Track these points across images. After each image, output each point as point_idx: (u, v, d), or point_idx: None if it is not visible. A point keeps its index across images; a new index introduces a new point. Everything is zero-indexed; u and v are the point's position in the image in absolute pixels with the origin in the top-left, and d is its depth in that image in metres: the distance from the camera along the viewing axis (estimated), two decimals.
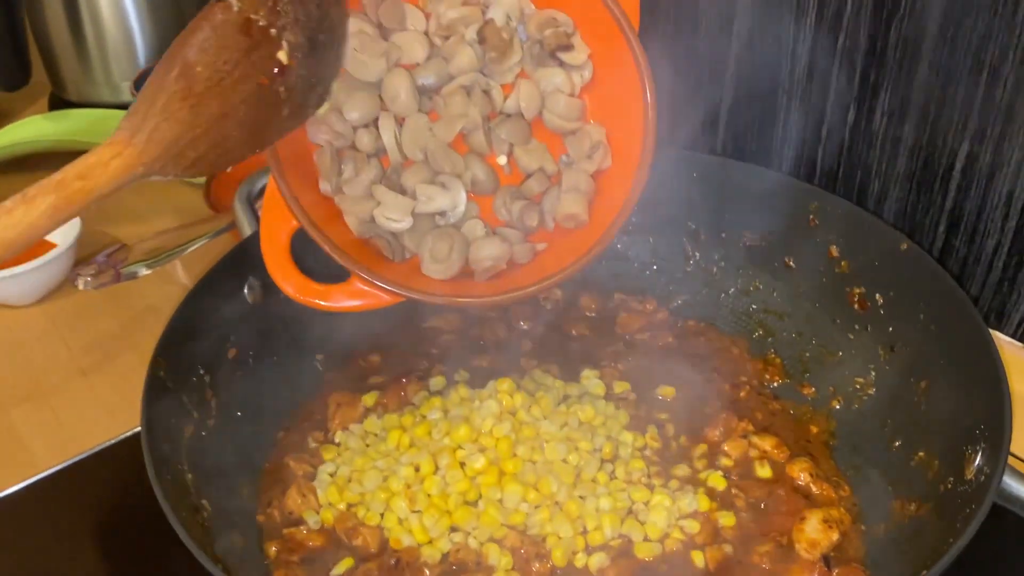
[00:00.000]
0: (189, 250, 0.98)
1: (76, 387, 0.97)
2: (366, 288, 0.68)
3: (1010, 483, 0.62)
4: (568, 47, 0.72)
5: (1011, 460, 0.63)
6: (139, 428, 0.88)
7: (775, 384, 0.89)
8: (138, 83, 1.27)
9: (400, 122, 0.71)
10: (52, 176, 0.51)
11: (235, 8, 0.55)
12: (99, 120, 1.37)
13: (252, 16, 0.55)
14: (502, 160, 0.74)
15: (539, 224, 0.73)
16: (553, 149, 0.74)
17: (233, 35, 0.55)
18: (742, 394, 0.87)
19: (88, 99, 1.44)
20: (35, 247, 1.09)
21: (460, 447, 0.77)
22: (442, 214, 0.72)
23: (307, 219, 0.67)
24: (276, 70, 0.58)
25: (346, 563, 0.71)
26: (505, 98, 0.73)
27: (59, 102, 1.47)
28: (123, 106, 1.38)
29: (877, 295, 0.83)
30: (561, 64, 0.72)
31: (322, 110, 0.69)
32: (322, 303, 0.69)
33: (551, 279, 0.68)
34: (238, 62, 0.55)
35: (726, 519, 0.74)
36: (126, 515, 0.82)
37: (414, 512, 0.73)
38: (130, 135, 0.53)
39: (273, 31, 0.57)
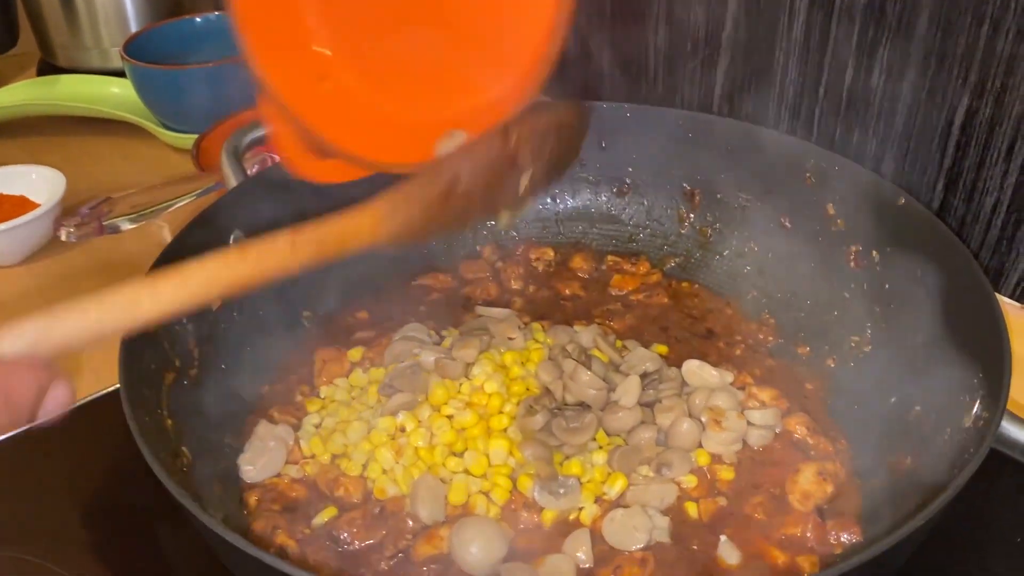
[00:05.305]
0: (175, 207, 0.97)
1: None
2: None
3: (1009, 428, 0.61)
4: None
5: (1008, 406, 0.61)
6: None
7: (770, 343, 0.87)
8: (127, 47, 1.25)
9: None
10: (317, 231, 0.59)
11: (512, 142, 0.65)
12: (88, 85, 1.36)
13: (520, 152, 0.66)
14: None
15: None
16: None
17: (500, 162, 0.65)
18: (737, 352, 0.85)
19: (77, 65, 1.43)
20: (20, 206, 1.07)
21: (446, 403, 0.76)
22: None
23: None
24: (511, 192, 0.68)
25: (329, 512, 0.69)
26: None
27: (48, 68, 1.46)
28: (112, 72, 1.37)
29: (874, 252, 0.82)
30: None
31: None
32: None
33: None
34: (491, 183, 0.66)
35: (725, 472, 0.73)
36: (110, 469, 0.81)
37: (399, 463, 0.71)
38: (391, 212, 0.63)
39: (526, 166, 0.67)
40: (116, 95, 1.35)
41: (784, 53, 0.97)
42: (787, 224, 0.90)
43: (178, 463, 0.67)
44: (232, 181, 0.87)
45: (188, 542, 0.72)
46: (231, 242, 0.83)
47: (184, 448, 0.69)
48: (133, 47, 1.26)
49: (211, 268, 0.54)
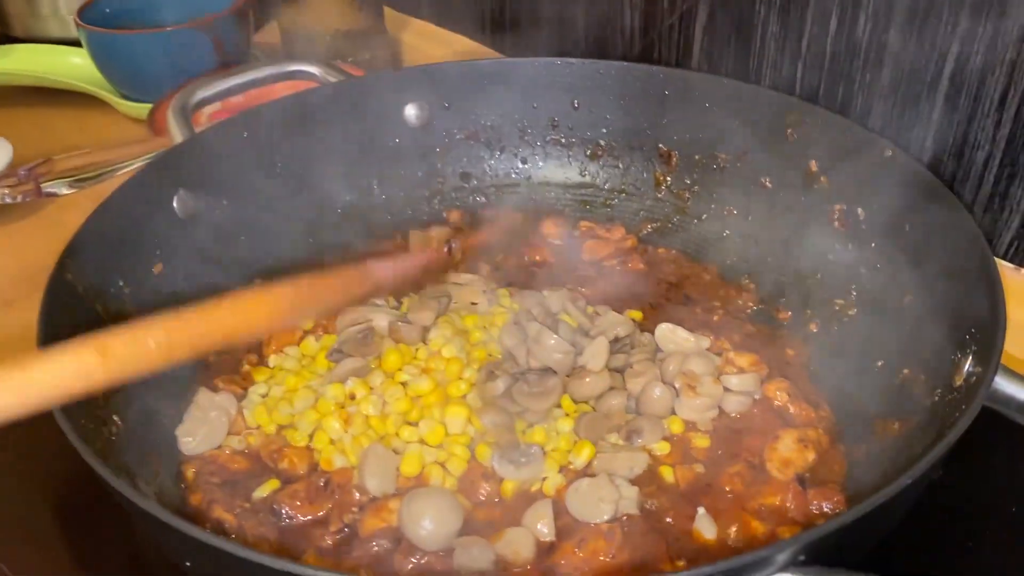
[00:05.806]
0: (123, 171, 0.91)
1: (1, 319, 0.90)
2: None
3: (1002, 383, 0.56)
4: None
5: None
6: None
7: (750, 309, 0.82)
8: (83, 13, 1.19)
9: None
10: (198, 323, 0.52)
11: (454, 258, 0.66)
12: (45, 55, 1.31)
13: (462, 261, 0.66)
14: None
15: None
16: None
17: (435, 269, 0.65)
18: (715, 318, 0.81)
19: (35, 34, 1.37)
20: None
21: (400, 369, 0.71)
22: None
23: None
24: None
25: (270, 485, 0.64)
26: None
27: (4, 39, 1.39)
28: (71, 42, 1.31)
29: (859, 210, 0.77)
30: None
31: None
32: None
33: None
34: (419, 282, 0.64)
35: (700, 440, 0.68)
36: (48, 446, 0.75)
37: (348, 432, 0.66)
38: (293, 303, 0.57)
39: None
40: (76, 65, 1.29)
41: (765, 5, 0.92)
42: (768, 184, 0.85)
43: (104, 431, 0.62)
44: (178, 137, 0.81)
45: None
46: (175, 203, 0.78)
47: (115, 417, 0.64)
48: (89, 13, 1.21)
49: (56, 369, 0.45)
